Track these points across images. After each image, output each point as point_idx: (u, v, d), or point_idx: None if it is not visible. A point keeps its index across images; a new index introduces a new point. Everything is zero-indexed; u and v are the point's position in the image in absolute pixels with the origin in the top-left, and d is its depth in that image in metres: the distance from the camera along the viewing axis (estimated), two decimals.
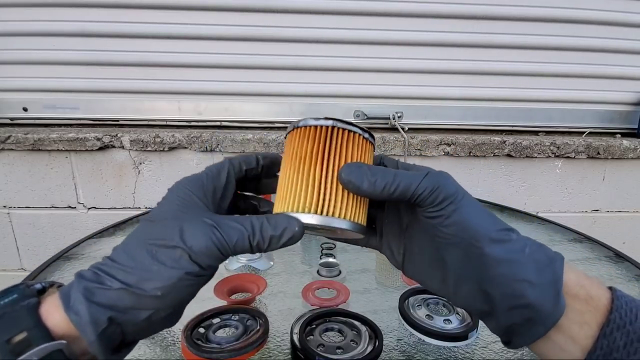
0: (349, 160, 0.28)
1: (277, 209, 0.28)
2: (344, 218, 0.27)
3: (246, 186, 0.33)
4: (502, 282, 0.24)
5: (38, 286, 0.25)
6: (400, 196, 0.26)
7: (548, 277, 0.24)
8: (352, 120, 0.33)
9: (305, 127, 0.29)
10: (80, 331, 0.22)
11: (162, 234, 0.24)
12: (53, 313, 0.23)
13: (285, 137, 0.31)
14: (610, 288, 0.25)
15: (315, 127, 0.28)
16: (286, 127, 0.33)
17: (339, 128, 0.28)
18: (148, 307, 0.23)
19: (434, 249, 0.28)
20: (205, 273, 0.25)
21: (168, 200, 0.27)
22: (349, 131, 0.28)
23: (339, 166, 0.27)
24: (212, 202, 0.28)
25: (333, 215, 0.27)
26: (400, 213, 0.31)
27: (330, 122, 0.28)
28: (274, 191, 0.31)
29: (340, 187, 0.27)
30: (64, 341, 0.22)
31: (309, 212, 0.27)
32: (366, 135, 0.29)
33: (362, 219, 0.29)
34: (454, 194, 0.26)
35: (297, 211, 0.27)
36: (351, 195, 0.28)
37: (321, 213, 0.27)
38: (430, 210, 0.26)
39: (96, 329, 0.22)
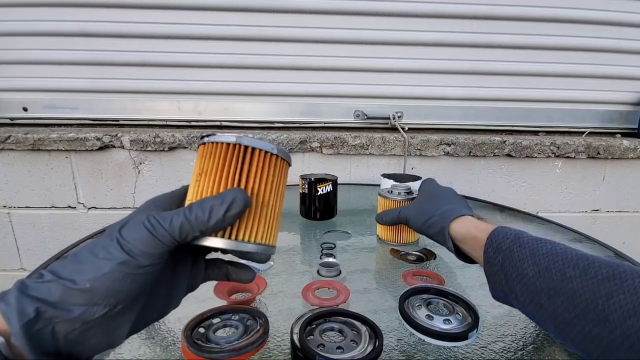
0: (257, 181, 0.28)
1: None
2: (252, 241, 0.28)
3: None
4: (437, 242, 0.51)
5: None
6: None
7: (443, 235, 0.48)
8: (261, 137, 0.35)
9: (213, 143, 0.28)
10: (6, 321, 0.21)
11: (106, 234, 0.24)
12: None
13: (197, 147, 0.30)
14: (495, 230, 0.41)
15: (222, 144, 0.27)
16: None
17: (244, 146, 0.27)
18: (78, 302, 0.22)
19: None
20: (141, 264, 0.23)
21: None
22: (254, 148, 0.28)
23: (246, 186, 0.27)
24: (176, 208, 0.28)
25: (241, 239, 0.27)
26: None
27: (233, 139, 0.27)
28: None
29: (249, 210, 0.27)
30: (0, 337, 0.21)
31: (215, 235, 0.26)
32: (275, 151, 0.28)
33: (271, 240, 0.29)
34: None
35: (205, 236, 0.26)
36: (257, 218, 0.28)
37: (229, 237, 0.27)
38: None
39: (21, 318, 0.21)
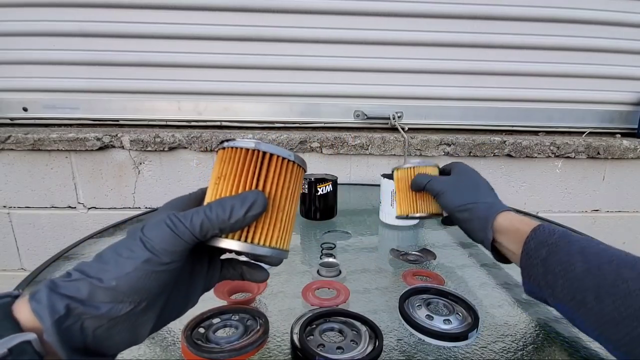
0: (273, 186, 0.28)
1: None
2: (267, 245, 0.28)
3: None
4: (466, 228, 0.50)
5: (16, 292, 0.25)
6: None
7: (483, 224, 0.46)
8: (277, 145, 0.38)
9: (232, 148, 0.29)
10: (38, 318, 0.22)
11: (129, 234, 0.25)
12: (23, 308, 0.23)
13: (216, 151, 0.31)
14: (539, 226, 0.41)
15: (241, 149, 0.28)
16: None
17: (263, 152, 0.28)
18: (104, 300, 0.23)
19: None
20: (163, 261, 0.24)
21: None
22: (272, 154, 0.29)
23: (263, 190, 0.28)
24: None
25: (256, 242, 0.28)
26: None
27: (252, 145, 0.28)
28: None
29: (265, 214, 0.28)
30: (33, 333, 0.22)
31: (232, 238, 0.27)
32: (291, 158, 0.29)
33: (285, 244, 0.30)
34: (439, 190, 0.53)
35: (220, 236, 0.27)
36: (273, 222, 0.29)
37: (245, 240, 0.27)
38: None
39: (53, 315, 0.22)
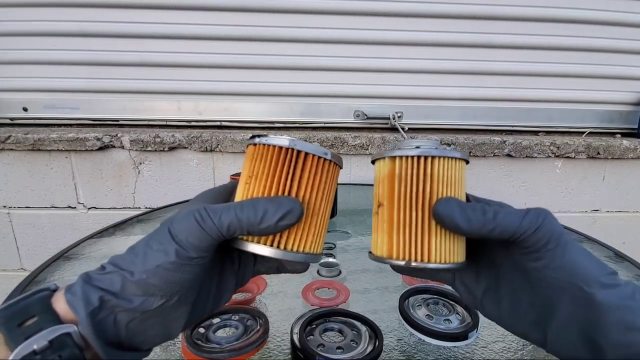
0: (308, 188, 0.26)
1: None
2: (300, 251, 0.26)
3: None
4: (616, 331, 0.22)
5: (54, 286, 0.25)
6: (499, 235, 0.25)
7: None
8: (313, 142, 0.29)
9: (264, 145, 0.26)
10: (72, 310, 0.22)
11: (161, 225, 0.25)
12: (60, 300, 0.23)
13: (247, 146, 0.29)
14: None
15: (274, 146, 0.26)
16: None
17: (298, 150, 0.26)
18: (136, 293, 0.23)
19: (530, 291, 0.26)
20: (192, 256, 0.23)
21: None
22: (307, 153, 0.26)
23: (297, 193, 0.26)
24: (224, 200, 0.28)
25: (289, 249, 0.26)
26: (486, 250, 0.29)
27: (286, 143, 0.26)
28: None
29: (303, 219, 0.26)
30: (73, 325, 0.22)
31: (261, 242, 0.26)
32: (328, 157, 0.27)
33: (318, 248, 0.28)
34: (559, 234, 0.24)
35: (248, 240, 0.26)
36: (308, 227, 0.26)
37: (277, 245, 0.26)
38: (533, 253, 0.25)
39: (87, 307, 0.22)
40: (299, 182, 0.26)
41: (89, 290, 0.23)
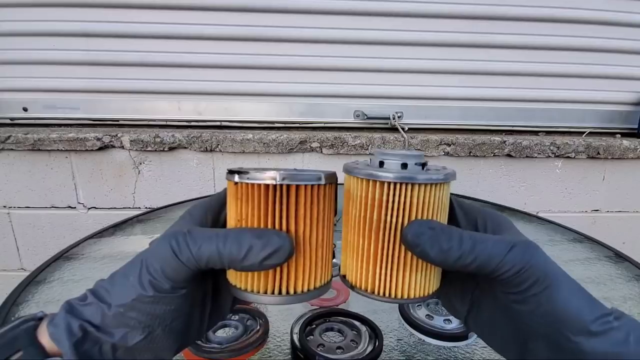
0: (307, 221, 0.23)
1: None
2: (311, 289, 0.24)
3: None
4: None
5: (40, 314, 0.24)
6: (476, 270, 0.22)
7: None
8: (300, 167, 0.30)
9: (249, 184, 0.23)
10: (56, 343, 0.21)
11: (143, 250, 0.23)
12: (44, 333, 0.22)
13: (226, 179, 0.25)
14: None
15: (260, 185, 0.22)
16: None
17: (287, 185, 0.22)
18: (116, 326, 0.22)
19: (512, 328, 0.24)
20: (168, 288, 0.21)
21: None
22: (299, 186, 0.23)
23: (296, 230, 0.23)
24: (212, 220, 0.26)
25: (299, 291, 0.24)
26: (469, 277, 0.26)
27: (272, 180, 0.22)
28: None
29: (304, 256, 0.23)
30: (58, 358, 0.22)
31: (266, 292, 0.23)
32: (322, 182, 0.24)
33: (328, 275, 0.26)
34: (545, 276, 0.21)
35: (251, 291, 0.23)
36: (314, 261, 0.24)
37: (286, 292, 0.24)
38: (516, 295, 0.22)
39: (70, 338, 0.21)
40: (296, 219, 0.23)
41: (71, 321, 0.21)
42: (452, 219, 0.26)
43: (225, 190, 0.26)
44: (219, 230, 0.22)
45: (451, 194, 0.26)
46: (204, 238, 0.21)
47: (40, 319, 0.23)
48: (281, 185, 0.22)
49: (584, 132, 1.21)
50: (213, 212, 0.27)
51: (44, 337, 0.22)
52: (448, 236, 0.22)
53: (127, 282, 0.22)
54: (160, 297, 0.22)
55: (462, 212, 0.26)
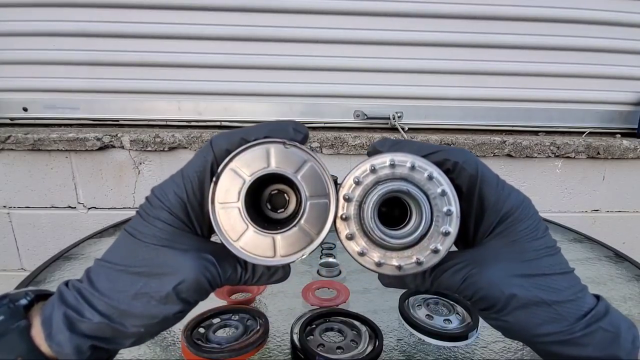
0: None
1: None
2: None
3: None
4: None
5: (23, 302, 0.24)
6: (444, 292, 0.26)
7: None
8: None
9: None
10: (60, 357, 0.22)
11: (149, 262, 0.23)
12: (39, 333, 0.22)
13: None
14: None
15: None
16: None
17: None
18: (131, 337, 0.24)
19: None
20: (192, 307, 0.25)
21: (154, 217, 0.26)
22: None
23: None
24: (197, 220, 0.26)
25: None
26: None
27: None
28: None
29: None
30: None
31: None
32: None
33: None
34: (498, 298, 0.23)
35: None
36: None
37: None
38: (483, 311, 0.25)
39: (80, 357, 0.22)
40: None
41: (77, 340, 0.22)
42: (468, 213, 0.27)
43: (187, 177, 0.28)
44: (233, 261, 0.26)
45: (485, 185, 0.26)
46: (230, 268, 0.25)
47: (25, 308, 0.23)
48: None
49: (584, 132, 1.21)
50: (197, 211, 0.27)
51: (38, 336, 0.22)
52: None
53: (148, 306, 0.23)
54: (180, 315, 0.24)
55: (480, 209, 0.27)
